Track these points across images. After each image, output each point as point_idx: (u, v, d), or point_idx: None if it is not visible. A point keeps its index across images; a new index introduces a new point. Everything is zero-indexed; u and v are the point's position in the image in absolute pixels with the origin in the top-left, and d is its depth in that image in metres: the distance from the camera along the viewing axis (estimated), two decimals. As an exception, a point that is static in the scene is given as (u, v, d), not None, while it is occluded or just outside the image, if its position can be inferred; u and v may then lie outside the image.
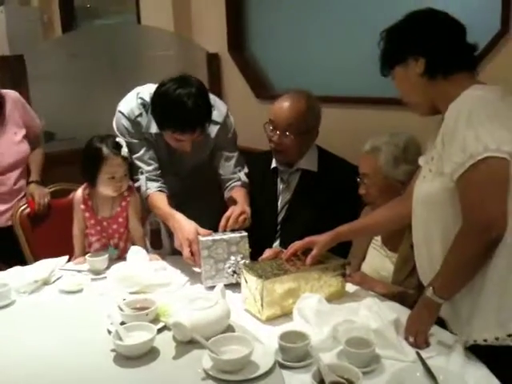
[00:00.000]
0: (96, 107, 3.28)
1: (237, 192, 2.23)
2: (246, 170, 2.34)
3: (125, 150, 2.10)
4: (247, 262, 1.90)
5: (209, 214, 2.13)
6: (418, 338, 1.43)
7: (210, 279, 1.89)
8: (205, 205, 2.35)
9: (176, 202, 2.18)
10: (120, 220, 2.17)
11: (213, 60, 3.61)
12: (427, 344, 1.43)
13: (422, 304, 1.45)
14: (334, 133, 2.60)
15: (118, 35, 3.68)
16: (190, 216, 2.05)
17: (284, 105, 2.25)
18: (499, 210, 1.30)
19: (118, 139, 2.12)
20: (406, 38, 1.51)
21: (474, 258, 1.34)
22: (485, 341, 1.37)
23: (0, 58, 2.61)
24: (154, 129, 2.18)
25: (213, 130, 2.24)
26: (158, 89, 2.07)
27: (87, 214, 2.17)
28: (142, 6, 4.12)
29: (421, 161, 1.61)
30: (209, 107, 2.08)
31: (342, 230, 1.79)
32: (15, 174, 2.57)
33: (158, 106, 2.07)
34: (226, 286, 1.73)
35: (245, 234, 1.95)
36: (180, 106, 1.98)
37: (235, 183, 2.28)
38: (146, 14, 4.09)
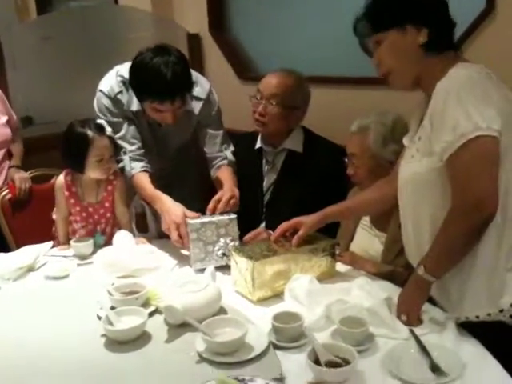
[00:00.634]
0: (74, 90, 3.22)
1: (224, 172, 2.21)
2: (232, 148, 2.32)
3: (109, 130, 2.07)
4: (237, 244, 1.88)
5: (196, 195, 2.12)
6: (410, 316, 1.43)
7: (200, 262, 1.88)
8: (191, 186, 2.33)
9: (162, 184, 2.15)
10: (106, 205, 2.14)
11: (193, 40, 3.55)
12: (420, 321, 1.43)
13: (413, 282, 1.44)
14: (319, 113, 2.58)
15: (94, 16, 3.59)
16: (176, 198, 2.03)
17: (273, 75, 2.28)
18: (490, 188, 1.30)
19: (98, 121, 2.08)
20: (412, 4, 1.43)
21: (465, 237, 1.34)
22: (477, 317, 1.38)
23: (-25, 40, 2.52)
24: (135, 106, 2.15)
25: (196, 106, 2.21)
26: (134, 59, 2.03)
27: (72, 201, 2.12)
28: (119, -14, 4.02)
29: (405, 140, 1.60)
30: (188, 76, 2.04)
31: (329, 211, 1.78)
32: (0, 154, 2.52)
33: (134, 76, 2.03)
34: (215, 268, 1.71)
35: (234, 216, 1.94)
36: (157, 74, 1.94)
37: (222, 162, 2.26)
38: (123, -6, 3.99)
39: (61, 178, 2.15)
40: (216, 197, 2.00)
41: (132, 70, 2.04)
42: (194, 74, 2.20)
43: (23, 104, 3.15)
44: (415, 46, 1.42)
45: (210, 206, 1.97)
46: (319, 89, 2.68)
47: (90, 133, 2.03)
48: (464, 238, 1.34)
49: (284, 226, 1.77)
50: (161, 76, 1.94)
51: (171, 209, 1.97)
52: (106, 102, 2.16)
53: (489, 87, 1.34)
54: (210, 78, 3.34)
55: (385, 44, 1.45)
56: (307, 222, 1.74)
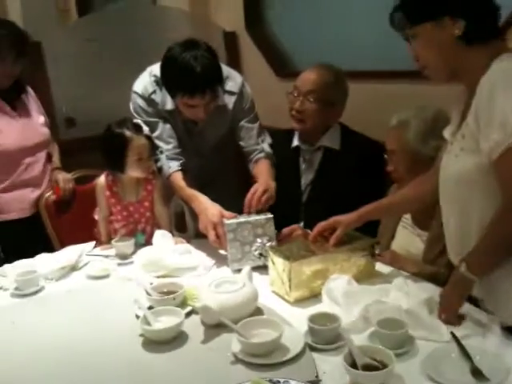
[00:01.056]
0: (115, 91, 3.25)
1: (260, 166, 2.20)
2: (269, 140, 2.31)
3: (146, 129, 2.10)
4: (273, 244, 1.87)
5: (234, 193, 2.12)
6: (449, 314, 1.40)
7: (237, 262, 1.87)
8: (230, 184, 2.33)
9: (200, 183, 2.16)
10: (146, 204, 2.17)
11: (230, 38, 3.55)
12: (460, 321, 1.40)
13: (454, 280, 1.41)
14: (358, 109, 2.53)
15: (133, 17, 3.63)
16: (214, 197, 2.04)
17: (311, 71, 2.26)
18: None
19: (135, 121, 2.11)
20: None
21: None
22: None
23: (17, 44, 2.58)
24: (169, 105, 2.17)
25: (229, 100, 2.22)
26: (165, 55, 2.04)
27: (113, 200, 2.16)
28: (157, -13, 4.06)
29: (446, 133, 1.54)
30: (218, 69, 2.03)
31: (366, 209, 1.75)
32: (44, 154, 2.58)
33: (164, 71, 2.05)
34: (252, 268, 1.71)
35: (270, 215, 1.92)
36: (186, 68, 1.95)
37: (259, 155, 2.25)
38: (161, -6, 4.03)
39: (102, 179, 2.19)
40: (249, 193, 1.99)
41: (162, 66, 2.06)
42: (226, 69, 2.20)
43: (66, 105, 3.22)
44: (452, 39, 1.36)
45: (246, 203, 1.97)
46: (357, 84, 2.63)
47: (127, 132, 2.06)
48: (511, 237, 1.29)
49: (321, 225, 1.75)
50: (190, 70, 1.94)
51: (208, 209, 1.97)
52: (141, 102, 2.19)
53: None
54: (247, 75, 3.34)
55: (421, 37, 1.40)
56: (344, 220, 1.72)
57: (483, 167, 1.32)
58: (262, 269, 1.82)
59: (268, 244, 1.86)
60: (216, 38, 3.45)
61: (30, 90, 2.63)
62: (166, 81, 2.07)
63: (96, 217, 2.28)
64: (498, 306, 1.39)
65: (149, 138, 2.11)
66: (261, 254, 1.86)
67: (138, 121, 2.12)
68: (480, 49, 1.36)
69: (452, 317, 1.39)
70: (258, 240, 1.87)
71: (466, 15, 1.34)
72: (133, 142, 2.05)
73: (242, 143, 2.28)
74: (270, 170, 2.18)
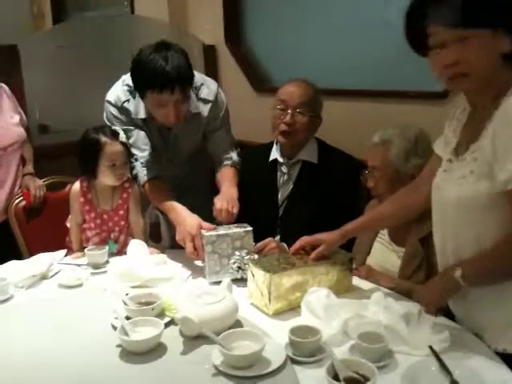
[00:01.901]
0: (90, 99, 3.20)
1: (224, 172, 2.21)
2: (238, 150, 2.33)
3: (122, 136, 2.08)
4: (252, 257, 1.86)
5: (210, 203, 2.10)
6: (430, 307, 1.45)
7: (215, 274, 1.86)
8: (206, 194, 2.31)
9: (176, 191, 2.15)
10: (121, 213, 2.14)
11: (209, 52, 3.56)
12: (438, 313, 1.46)
13: (444, 281, 1.41)
14: (332, 126, 2.57)
15: (111, 26, 3.61)
16: (190, 206, 2.03)
17: (295, 85, 2.26)
18: None
19: (114, 127, 2.10)
20: (508, 5, 1.25)
21: None
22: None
23: (-7, 47, 2.54)
24: (142, 114, 2.15)
25: (204, 108, 2.21)
26: (135, 57, 2.02)
27: (87, 207, 2.12)
28: (135, -4, 4.05)
29: (438, 149, 1.53)
30: (188, 67, 2.01)
31: (349, 227, 1.75)
32: (16, 156, 2.52)
33: (134, 71, 2.02)
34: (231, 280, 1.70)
35: (249, 228, 1.92)
36: (156, 64, 1.93)
37: (225, 162, 2.26)
38: (139, 4, 4.02)
39: (76, 185, 2.15)
40: (217, 207, 1.98)
41: (132, 67, 2.03)
42: (201, 76, 2.22)
43: (39, 111, 3.16)
44: (496, 54, 1.28)
45: (218, 218, 1.97)
46: (333, 101, 2.68)
47: (102, 138, 2.04)
48: None
49: (304, 240, 1.75)
50: (159, 66, 1.93)
51: (186, 219, 1.96)
52: (113, 110, 2.17)
53: None
54: (225, 89, 3.34)
55: (474, 42, 1.27)
56: (327, 239, 1.72)
57: (494, 195, 1.29)
58: (240, 281, 1.81)
59: (246, 257, 1.85)
60: (195, 50, 3.46)
61: (4, 87, 2.56)
62: (135, 80, 2.04)
63: (68, 224, 2.23)
64: (482, 330, 1.41)
65: (124, 144, 2.09)
66: (239, 268, 1.84)
67: (116, 128, 2.10)
68: None
69: (432, 310, 1.44)
70: (237, 253, 1.86)
71: None
72: (106, 147, 2.03)
73: (213, 152, 2.28)
74: (233, 177, 2.19)
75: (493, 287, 1.35)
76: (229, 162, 2.25)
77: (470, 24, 1.26)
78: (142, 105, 2.14)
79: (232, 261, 1.86)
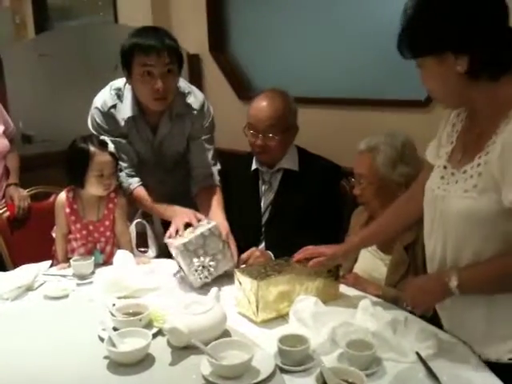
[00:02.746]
0: (73, 109, 3.20)
1: (214, 198, 2.23)
2: (219, 166, 2.34)
3: (111, 146, 2.06)
4: (212, 263, 1.86)
5: (197, 209, 2.11)
6: (417, 309, 1.45)
7: (198, 278, 1.85)
8: (192, 201, 2.31)
9: (162, 198, 2.17)
10: (107, 223, 2.12)
11: (194, 61, 3.57)
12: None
13: (439, 288, 1.36)
14: (315, 134, 2.59)
15: (94, 35, 3.61)
16: None
17: (261, 106, 2.22)
18: None
19: (102, 137, 2.09)
20: (447, 29, 1.23)
21: None
22: (510, 359, 1.34)
23: (-26, 57, 2.52)
24: (129, 112, 2.16)
25: (189, 115, 2.23)
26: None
27: (72, 218, 2.10)
28: (118, 6, 4.04)
29: (430, 157, 1.50)
30: (174, 40, 2.09)
31: (355, 242, 1.76)
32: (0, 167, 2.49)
33: (123, 46, 2.06)
34: (219, 289, 1.70)
35: (213, 223, 1.92)
36: (143, 31, 2.07)
37: (209, 180, 2.28)
38: (123, 13, 4.02)
39: (62, 195, 2.13)
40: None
41: (122, 46, 2.07)
42: (188, 85, 2.25)
43: (23, 121, 3.14)
44: (455, 75, 1.26)
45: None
46: (316, 109, 2.70)
47: (91, 148, 2.03)
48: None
49: (308, 252, 1.73)
50: (146, 31, 2.05)
51: (182, 211, 2.02)
52: (99, 118, 2.18)
53: None
54: (210, 98, 3.34)
55: (424, 69, 1.31)
56: (330, 254, 1.70)
57: (496, 210, 1.26)
58: (229, 290, 1.80)
59: (207, 261, 1.85)
60: (179, 59, 3.45)
61: None
62: (123, 53, 2.06)
63: (54, 235, 2.21)
64: (472, 340, 1.42)
65: (113, 155, 2.08)
66: (203, 273, 1.84)
67: (105, 137, 2.09)
68: (497, 81, 1.26)
69: (420, 311, 1.45)
70: (195, 260, 1.84)
71: (471, 50, 1.23)
72: (95, 157, 2.02)
73: (194, 163, 2.29)
74: (221, 204, 2.21)
75: (484, 298, 1.35)
76: (212, 181, 2.27)
77: (416, 55, 1.30)
78: (129, 104, 2.15)
79: (193, 269, 1.85)
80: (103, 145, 2.06)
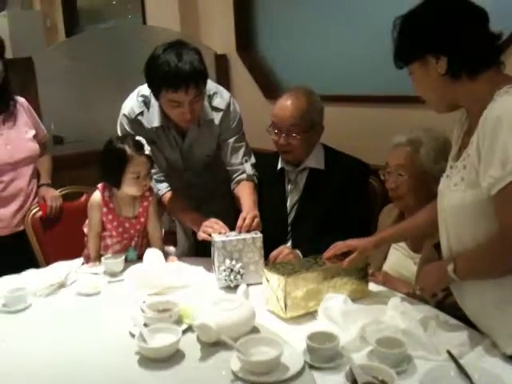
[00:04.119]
0: (103, 110, 3.26)
1: (242, 189, 2.22)
2: (253, 160, 2.33)
3: (147, 148, 2.07)
4: (243, 267, 1.88)
5: (226, 213, 2.12)
6: (425, 291, 1.50)
7: (224, 278, 1.87)
8: (222, 204, 2.33)
9: (192, 202, 2.18)
10: (142, 220, 2.15)
11: (221, 61, 3.59)
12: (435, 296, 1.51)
13: (437, 272, 1.46)
14: (343, 132, 2.58)
15: (123, 37, 3.65)
16: (210, 215, 2.05)
17: (285, 105, 2.21)
18: None
19: (137, 138, 2.09)
20: (424, 34, 1.37)
21: (507, 269, 1.31)
22: None
23: (9, 60, 2.55)
24: (156, 122, 2.16)
25: (216, 117, 2.22)
26: (149, 56, 2.03)
27: (110, 217, 2.13)
28: (147, 7, 4.10)
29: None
30: (202, 64, 2.01)
31: (384, 235, 1.76)
32: (28, 170, 2.53)
33: (149, 69, 2.02)
34: (248, 285, 1.70)
35: (259, 234, 1.94)
36: (170, 62, 1.93)
37: (241, 176, 2.26)
38: (151, 14, 4.07)
39: (96, 195, 2.14)
40: (242, 215, 2.01)
41: (146, 66, 2.03)
42: (214, 85, 2.23)
43: (54, 123, 3.20)
44: (438, 76, 1.37)
45: (239, 223, 1.98)
46: (343, 107, 2.69)
47: (128, 150, 2.03)
48: (505, 269, 1.31)
49: (338, 246, 1.74)
50: (173, 63, 1.93)
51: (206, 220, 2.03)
52: (127, 124, 2.19)
53: None
54: (237, 97, 3.36)
55: (413, 75, 1.44)
56: (361, 246, 1.70)
57: (482, 201, 1.31)
58: (258, 287, 1.81)
59: (237, 266, 1.86)
60: (207, 60, 3.44)
61: (22, 102, 2.58)
62: (150, 79, 2.03)
63: (85, 229, 2.24)
64: (493, 334, 1.40)
65: (149, 157, 2.09)
66: (228, 276, 1.85)
67: (140, 138, 2.09)
68: (476, 80, 1.35)
69: (428, 295, 1.49)
70: (227, 261, 1.87)
71: (448, 50, 1.34)
72: (133, 159, 2.03)
73: (226, 162, 2.29)
74: (252, 194, 2.19)
75: (495, 293, 1.36)
76: (244, 176, 2.26)
77: (403, 62, 1.43)
78: (156, 113, 2.15)
79: (222, 268, 1.87)
80: (140, 146, 2.06)
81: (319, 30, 3.07)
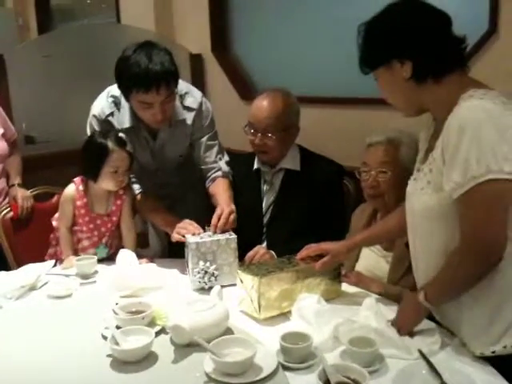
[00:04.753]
0: (76, 109, 3.20)
1: (218, 185, 2.21)
2: (226, 158, 2.33)
3: (130, 145, 2.07)
4: (217, 269, 1.87)
5: (200, 213, 2.12)
6: (405, 332, 1.45)
7: (198, 280, 1.86)
8: (195, 204, 2.32)
9: (166, 204, 2.15)
10: (114, 218, 2.15)
11: (196, 61, 3.58)
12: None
13: (411, 305, 1.45)
14: (318, 133, 2.59)
15: (97, 35, 3.61)
16: (182, 216, 2.04)
17: (261, 105, 2.22)
18: (500, 234, 1.27)
19: (120, 134, 2.08)
20: (388, 39, 1.39)
21: (471, 277, 1.32)
22: (492, 352, 1.34)
23: (-21, 58, 2.51)
24: (127, 123, 2.14)
25: (189, 116, 2.21)
26: (119, 57, 2.01)
27: (82, 211, 2.12)
28: (121, 6, 4.05)
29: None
30: (173, 65, 2.00)
31: (357, 239, 1.77)
32: None
33: (119, 70, 2.00)
34: (222, 287, 1.70)
35: (233, 236, 1.93)
36: (140, 63, 1.92)
37: (216, 173, 2.26)
38: (126, 14, 4.03)
39: (71, 188, 2.14)
40: (217, 212, 2.00)
41: (116, 66, 2.01)
42: (185, 85, 2.22)
43: (25, 122, 3.15)
44: (403, 81, 1.39)
45: (214, 221, 1.97)
46: (319, 109, 2.70)
47: (110, 144, 2.04)
48: (469, 278, 1.33)
49: (311, 248, 1.75)
50: (143, 65, 1.92)
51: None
52: (97, 126, 2.17)
53: (505, 121, 1.27)
54: (212, 98, 3.37)
55: (379, 80, 1.46)
56: (334, 250, 1.71)
57: (446, 205, 1.33)
58: (231, 288, 1.81)
59: (212, 267, 1.86)
60: (182, 59, 3.45)
61: None
62: (120, 80, 2.02)
63: (54, 223, 2.21)
64: (461, 334, 1.42)
65: (130, 153, 2.09)
66: (202, 278, 1.85)
67: (123, 135, 2.08)
68: (441, 84, 1.37)
69: (404, 334, 1.44)
70: (201, 263, 1.86)
71: (412, 55, 1.36)
72: (113, 153, 2.04)
73: (199, 161, 2.28)
74: (228, 190, 2.19)
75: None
76: (220, 174, 2.25)
77: (369, 67, 1.45)
78: (127, 114, 2.13)
79: (196, 270, 1.86)
80: (121, 142, 2.06)
81: (295, 30, 3.08)
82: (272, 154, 2.25)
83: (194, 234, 1.94)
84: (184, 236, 1.95)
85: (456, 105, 1.31)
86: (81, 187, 2.13)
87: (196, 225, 1.99)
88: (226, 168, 2.28)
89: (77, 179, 2.14)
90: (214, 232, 1.95)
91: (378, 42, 1.41)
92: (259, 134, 2.21)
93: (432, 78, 1.37)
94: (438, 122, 1.43)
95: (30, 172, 2.71)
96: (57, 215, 2.21)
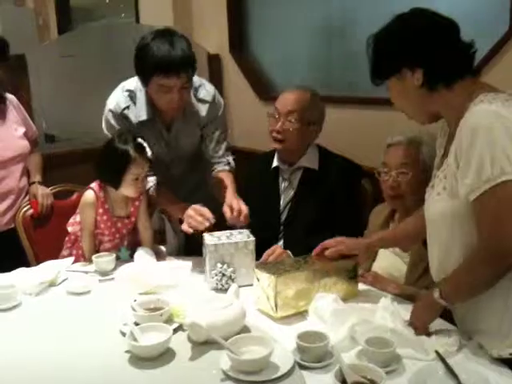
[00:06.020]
0: (95, 108, 3.24)
1: (228, 178, 2.24)
2: (233, 156, 2.37)
3: (148, 151, 2.08)
4: (233, 274, 1.87)
5: (214, 204, 2.12)
6: (418, 330, 1.46)
7: (215, 282, 1.87)
8: (210, 196, 2.33)
9: (181, 193, 2.20)
10: (133, 219, 2.16)
11: (214, 61, 3.59)
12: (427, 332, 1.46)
13: (426, 302, 1.46)
14: (337, 133, 2.58)
15: (116, 35, 3.64)
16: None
17: (290, 93, 2.30)
18: None
19: (139, 139, 2.07)
20: (398, 48, 1.41)
21: (489, 278, 1.32)
22: (510, 354, 1.34)
23: (0, 57, 2.54)
24: (144, 115, 2.17)
25: (202, 108, 2.24)
26: (138, 44, 2.04)
27: (104, 217, 2.12)
28: (140, 6, 4.09)
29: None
30: (191, 52, 2.04)
31: (374, 239, 1.78)
32: (19, 168, 2.52)
33: (138, 57, 2.03)
34: (239, 286, 1.71)
35: (252, 238, 1.93)
36: (161, 48, 1.96)
37: (225, 167, 2.30)
38: (144, 14, 4.06)
39: (91, 194, 2.12)
40: (228, 203, 2.05)
41: (136, 54, 2.04)
42: (198, 78, 2.25)
43: (46, 121, 3.19)
44: (415, 88, 1.41)
45: (228, 214, 2.01)
46: (336, 109, 2.69)
47: (131, 151, 2.01)
48: (487, 279, 1.33)
49: (326, 244, 1.76)
50: (166, 50, 1.96)
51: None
52: (112, 120, 2.19)
53: None
54: (229, 97, 3.38)
55: (391, 90, 1.48)
56: (351, 244, 1.74)
57: (463, 210, 1.34)
58: (248, 287, 1.81)
59: (229, 270, 1.86)
60: (200, 59, 3.45)
61: (12, 99, 2.57)
62: (140, 67, 2.04)
63: (69, 229, 2.23)
64: (478, 336, 1.42)
65: (149, 159, 2.08)
66: (219, 280, 1.86)
67: (141, 140, 2.08)
68: (452, 90, 1.39)
69: (420, 333, 1.45)
70: (219, 265, 1.87)
71: (423, 62, 1.38)
72: (135, 161, 2.02)
73: (209, 153, 2.31)
74: (234, 183, 2.22)
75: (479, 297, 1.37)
76: (227, 168, 2.29)
77: (380, 77, 1.47)
78: (144, 107, 2.15)
79: (214, 272, 1.86)
80: (141, 148, 2.05)
81: (314, 30, 3.08)
82: (288, 144, 2.26)
83: (206, 229, 1.95)
84: (197, 231, 1.96)
85: (467, 110, 1.32)
86: (101, 194, 2.12)
87: (205, 211, 2.00)
88: (233, 163, 2.33)
89: (94, 185, 2.12)
90: (233, 226, 1.96)
91: (387, 52, 1.43)
92: (281, 119, 2.24)
93: (443, 85, 1.39)
94: (451, 128, 1.43)
95: (50, 170, 2.74)
96: (72, 220, 2.22)
